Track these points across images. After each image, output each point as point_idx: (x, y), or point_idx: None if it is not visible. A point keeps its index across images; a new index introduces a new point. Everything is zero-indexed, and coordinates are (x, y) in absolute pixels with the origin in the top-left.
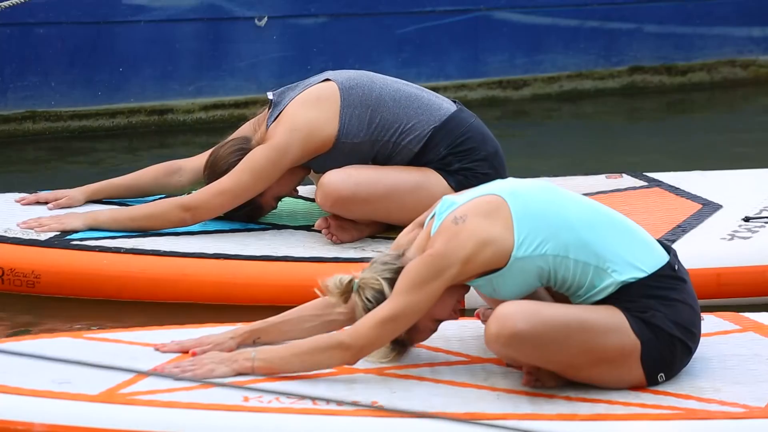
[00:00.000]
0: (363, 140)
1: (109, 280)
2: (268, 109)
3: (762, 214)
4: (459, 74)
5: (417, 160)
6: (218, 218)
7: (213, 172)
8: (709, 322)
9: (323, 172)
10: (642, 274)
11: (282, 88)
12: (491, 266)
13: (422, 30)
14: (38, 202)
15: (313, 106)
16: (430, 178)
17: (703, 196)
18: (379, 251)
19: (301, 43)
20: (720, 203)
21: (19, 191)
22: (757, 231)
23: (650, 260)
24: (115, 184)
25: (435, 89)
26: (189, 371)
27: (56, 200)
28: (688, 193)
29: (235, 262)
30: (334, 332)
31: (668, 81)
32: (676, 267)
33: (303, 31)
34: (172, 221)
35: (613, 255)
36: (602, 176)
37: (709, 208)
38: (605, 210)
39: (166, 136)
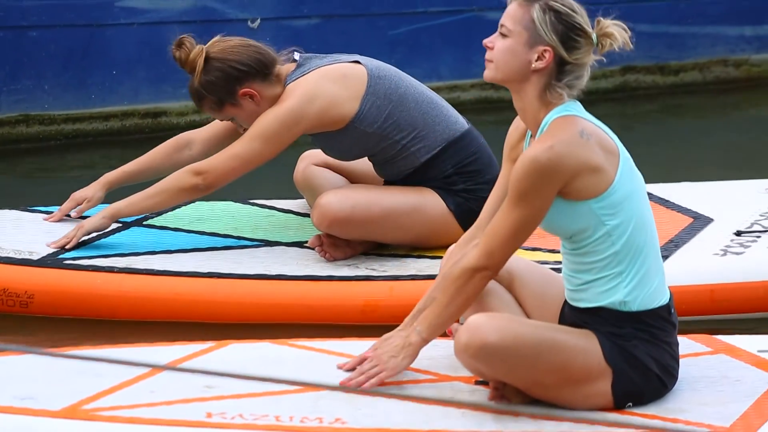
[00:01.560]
0: (374, 132)
1: (103, 300)
2: (293, 67)
3: (754, 228)
4: (452, 75)
5: (420, 172)
6: (211, 234)
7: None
8: (682, 343)
9: (322, 148)
10: (642, 307)
11: (309, 54)
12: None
13: (415, 31)
14: (64, 216)
15: (337, 81)
16: (427, 200)
17: (695, 209)
18: (372, 269)
19: (293, 44)
20: (711, 216)
21: (13, 201)
22: (750, 246)
23: (657, 295)
24: (129, 170)
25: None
26: (374, 375)
27: (78, 208)
28: (679, 206)
29: (228, 281)
30: None
31: (661, 80)
32: (672, 311)
33: (296, 32)
34: (185, 188)
35: (641, 272)
36: None
37: (700, 221)
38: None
39: (159, 139)
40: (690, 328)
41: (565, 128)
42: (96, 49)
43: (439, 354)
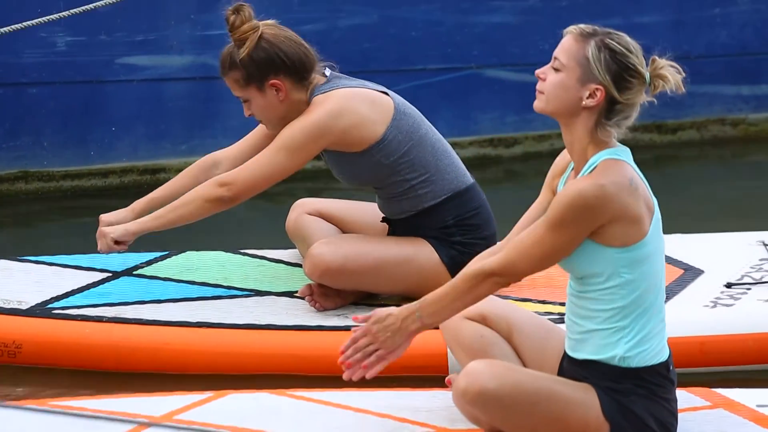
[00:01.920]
0: (389, 164)
1: (92, 350)
2: (322, 81)
3: (744, 280)
4: (450, 132)
5: (421, 216)
6: (201, 284)
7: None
8: (681, 396)
9: (332, 167)
10: (641, 364)
11: (338, 73)
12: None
13: (413, 88)
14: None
15: (367, 104)
16: (421, 251)
17: (685, 261)
18: None
19: None
20: (702, 268)
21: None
22: (740, 298)
23: (657, 353)
24: (157, 196)
25: None
26: (371, 352)
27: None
28: (670, 257)
29: (218, 331)
30: None
31: (658, 139)
32: (670, 368)
33: None
34: (210, 199)
35: (644, 330)
36: None
37: (690, 273)
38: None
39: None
40: (681, 380)
41: (617, 171)
42: (95, 106)
43: (437, 406)
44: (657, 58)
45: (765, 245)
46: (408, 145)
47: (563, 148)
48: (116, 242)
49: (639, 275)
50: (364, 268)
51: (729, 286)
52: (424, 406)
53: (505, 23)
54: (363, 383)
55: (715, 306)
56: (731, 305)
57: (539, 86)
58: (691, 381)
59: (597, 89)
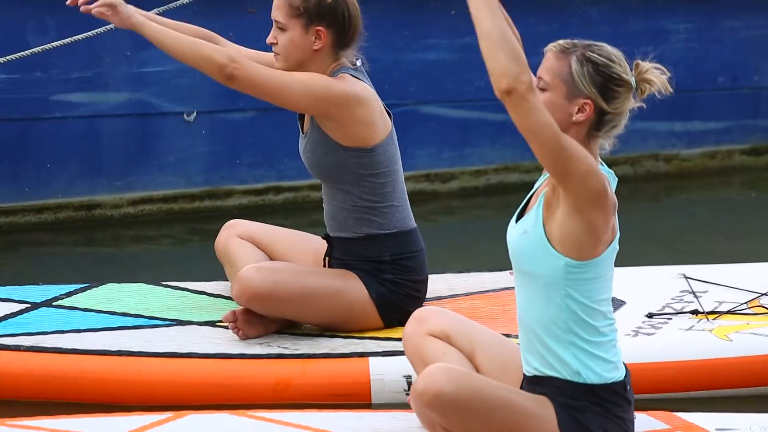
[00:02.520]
0: (360, 173)
1: (9, 379)
2: (349, 66)
3: (665, 311)
4: None
5: (361, 242)
6: (121, 314)
7: None
8: (641, 419)
9: (313, 141)
10: (597, 381)
11: (363, 70)
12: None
13: None
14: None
15: (378, 112)
16: (350, 285)
17: None
18: (285, 347)
19: (230, 137)
20: (623, 299)
21: None
22: (661, 327)
23: (612, 370)
24: (159, 19)
25: None
26: None
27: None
28: None
29: (138, 359)
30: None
31: None
32: (627, 388)
33: (232, 125)
34: (214, 60)
35: (598, 346)
36: (506, 272)
37: (612, 303)
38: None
39: (93, 231)
40: None
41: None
42: (30, 143)
43: (397, 427)
44: (640, 62)
45: (686, 278)
46: (383, 170)
47: (499, 183)
48: (111, 7)
49: (586, 293)
50: (292, 296)
51: (650, 316)
52: (385, 427)
53: (441, 60)
54: (319, 406)
55: (636, 335)
56: (652, 334)
57: None
58: None
59: (585, 103)
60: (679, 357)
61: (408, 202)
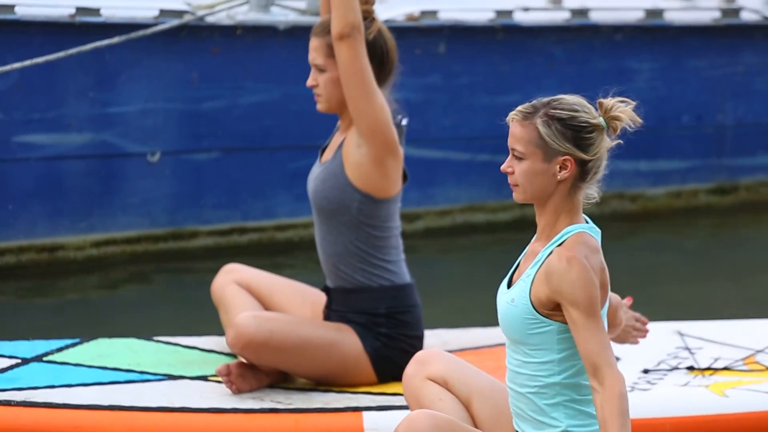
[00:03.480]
0: (370, 225)
1: None
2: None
3: (660, 367)
4: None
5: (358, 294)
6: (113, 369)
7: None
8: None
9: (316, 173)
10: None
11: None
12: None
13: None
14: None
15: (401, 171)
16: (346, 338)
17: None
18: (278, 401)
19: (194, 178)
20: (618, 355)
21: None
22: (656, 383)
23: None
24: None
25: None
26: None
27: None
28: None
29: (129, 414)
30: None
31: None
32: None
33: (196, 166)
34: (351, 17)
35: (582, 407)
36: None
37: None
38: None
39: (56, 274)
40: None
41: (593, 247)
42: None
43: None
44: (603, 101)
45: (681, 335)
46: (381, 224)
47: (464, 223)
48: None
49: (573, 355)
50: (288, 345)
51: (646, 371)
52: None
53: (406, 100)
54: None
55: (632, 390)
56: (648, 390)
57: (511, 180)
58: None
59: (565, 160)
60: (675, 413)
61: (403, 259)
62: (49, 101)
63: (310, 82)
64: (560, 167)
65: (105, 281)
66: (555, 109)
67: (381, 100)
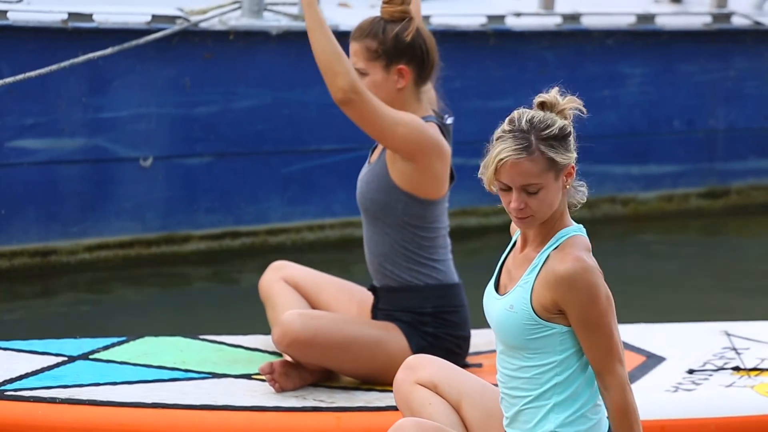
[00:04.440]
0: (417, 226)
1: (45, 431)
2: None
3: (706, 368)
4: (345, 212)
5: (404, 292)
6: (158, 367)
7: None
8: None
9: (375, 171)
10: None
11: (450, 123)
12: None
13: (308, 168)
14: None
15: (448, 170)
16: (392, 337)
17: (647, 349)
18: (321, 400)
19: (187, 182)
20: (663, 356)
21: None
22: (701, 384)
23: (590, 428)
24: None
25: (321, 227)
26: None
27: None
28: (630, 345)
29: (173, 412)
30: None
31: None
32: None
33: (189, 170)
34: (343, 81)
35: (581, 409)
36: None
37: (652, 360)
38: None
39: (49, 278)
40: None
41: (588, 247)
42: None
43: None
44: (545, 101)
45: (728, 335)
46: (428, 225)
47: (457, 227)
48: None
49: (573, 354)
50: (333, 344)
51: (691, 372)
52: None
53: None
54: None
55: (676, 390)
56: (692, 390)
57: (521, 214)
58: None
59: (569, 171)
60: (719, 413)
61: (450, 259)
62: (41, 106)
63: None
64: (567, 176)
65: (98, 284)
66: (544, 129)
67: (403, 124)
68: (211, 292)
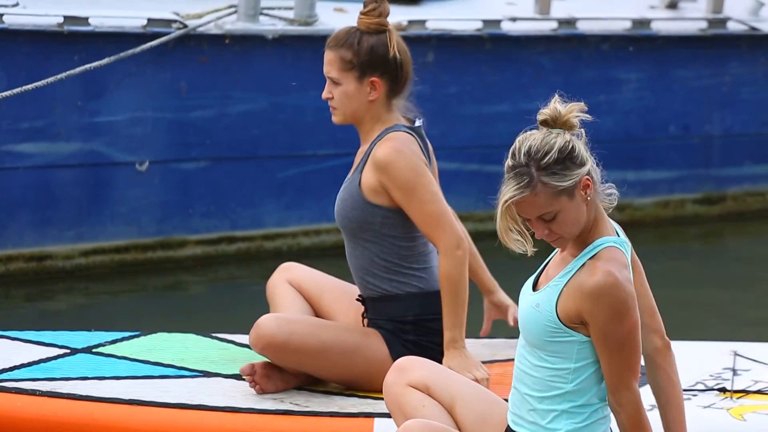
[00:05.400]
0: (384, 235)
1: (21, 423)
2: (403, 121)
3: (696, 387)
4: None
5: (386, 301)
6: (154, 363)
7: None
8: None
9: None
10: None
11: (419, 128)
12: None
13: (303, 173)
14: None
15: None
16: (371, 343)
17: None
18: (297, 403)
19: (182, 187)
20: None
21: None
22: (687, 399)
23: None
24: None
25: (317, 232)
26: None
27: None
28: None
29: (146, 409)
30: None
31: None
32: None
33: (185, 175)
34: (459, 263)
35: (589, 418)
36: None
37: (645, 378)
38: None
39: (45, 283)
40: None
41: (624, 263)
42: None
43: None
44: (546, 117)
45: (736, 355)
46: (407, 234)
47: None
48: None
49: (588, 365)
50: (308, 349)
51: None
52: None
53: None
54: None
55: (652, 409)
56: None
57: (549, 238)
58: None
59: (585, 183)
60: None
61: (434, 266)
62: (37, 110)
63: (325, 94)
64: (584, 186)
65: (94, 289)
66: (543, 158)
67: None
68: (206, 296)
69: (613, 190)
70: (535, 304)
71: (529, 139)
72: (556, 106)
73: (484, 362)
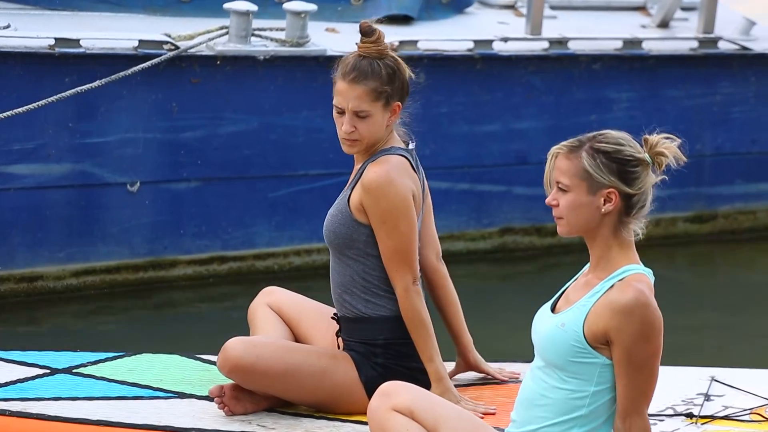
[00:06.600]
0: (368, 254)
1: None
2: (399, 143)
3: (665, 412)
4: None
5: (359, 323)
6: (132, 384)
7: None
8: None
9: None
10: None
11: (411, 151)
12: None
13: (295, 193)
14: None
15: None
16: (340, 366)
17: None
18: (263, 425)
19: (174, 207)
20: None
21: None
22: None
23: None
24: None
25: (308, 252)
26: None
27: None
28: None
29: (113, 429)
30: None
31: (538, 242)
32: None
33: (176, 195)
34: (416, 297)
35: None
36: (509, 363)
37: None
38: None
39: (35, 304)
40: None
41: (652, 289)
42: None
43: None
44: (648, 137)
45: (713, 380)
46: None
47: (444, 251)
48: None
49: (606, 390)
50: (274, 372)
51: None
52: None
53: None
54: None
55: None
56: None
57: (555, 213)
58: None
59: (609, 193)
60: None
61: None
62: (28, 131)
63: (348, 128)
64: (605, 200)
65: (85, 310)
66: (600, 142)
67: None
68: (198, 316)
69: (642, 228)
70: (560, 323)
71: (616, 132)
72: (662, 137)
73: (458, 386)
